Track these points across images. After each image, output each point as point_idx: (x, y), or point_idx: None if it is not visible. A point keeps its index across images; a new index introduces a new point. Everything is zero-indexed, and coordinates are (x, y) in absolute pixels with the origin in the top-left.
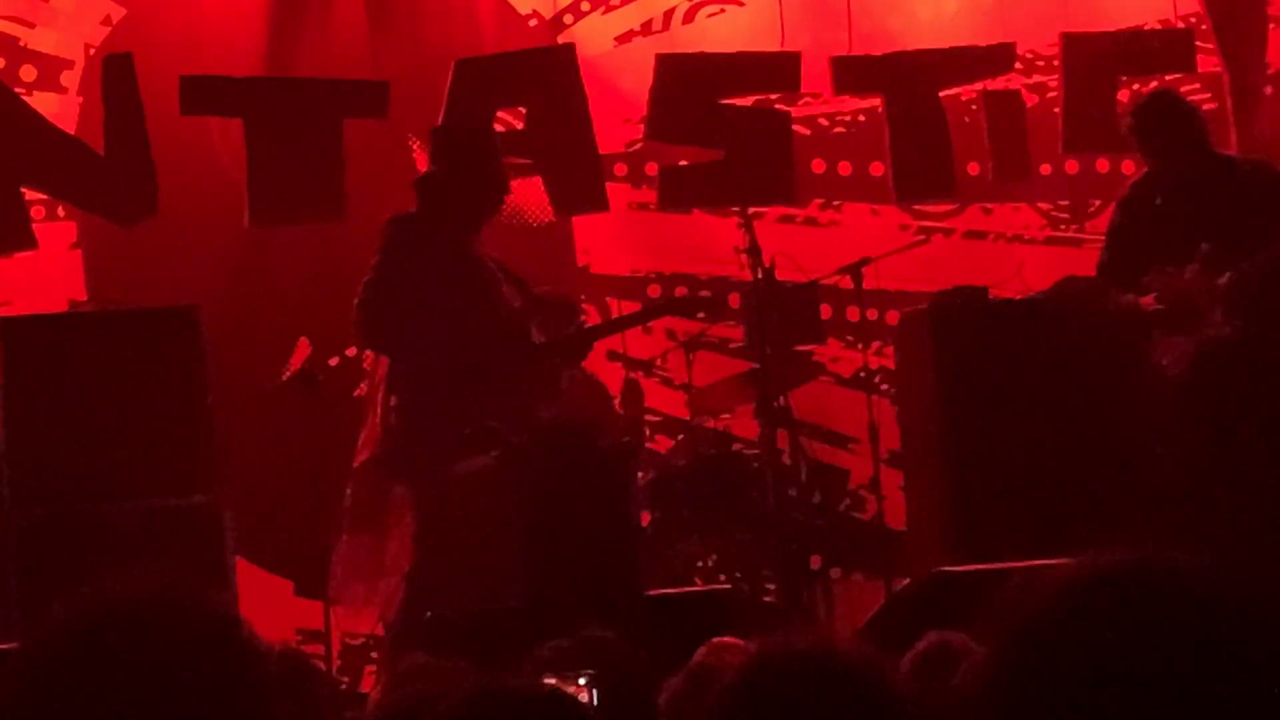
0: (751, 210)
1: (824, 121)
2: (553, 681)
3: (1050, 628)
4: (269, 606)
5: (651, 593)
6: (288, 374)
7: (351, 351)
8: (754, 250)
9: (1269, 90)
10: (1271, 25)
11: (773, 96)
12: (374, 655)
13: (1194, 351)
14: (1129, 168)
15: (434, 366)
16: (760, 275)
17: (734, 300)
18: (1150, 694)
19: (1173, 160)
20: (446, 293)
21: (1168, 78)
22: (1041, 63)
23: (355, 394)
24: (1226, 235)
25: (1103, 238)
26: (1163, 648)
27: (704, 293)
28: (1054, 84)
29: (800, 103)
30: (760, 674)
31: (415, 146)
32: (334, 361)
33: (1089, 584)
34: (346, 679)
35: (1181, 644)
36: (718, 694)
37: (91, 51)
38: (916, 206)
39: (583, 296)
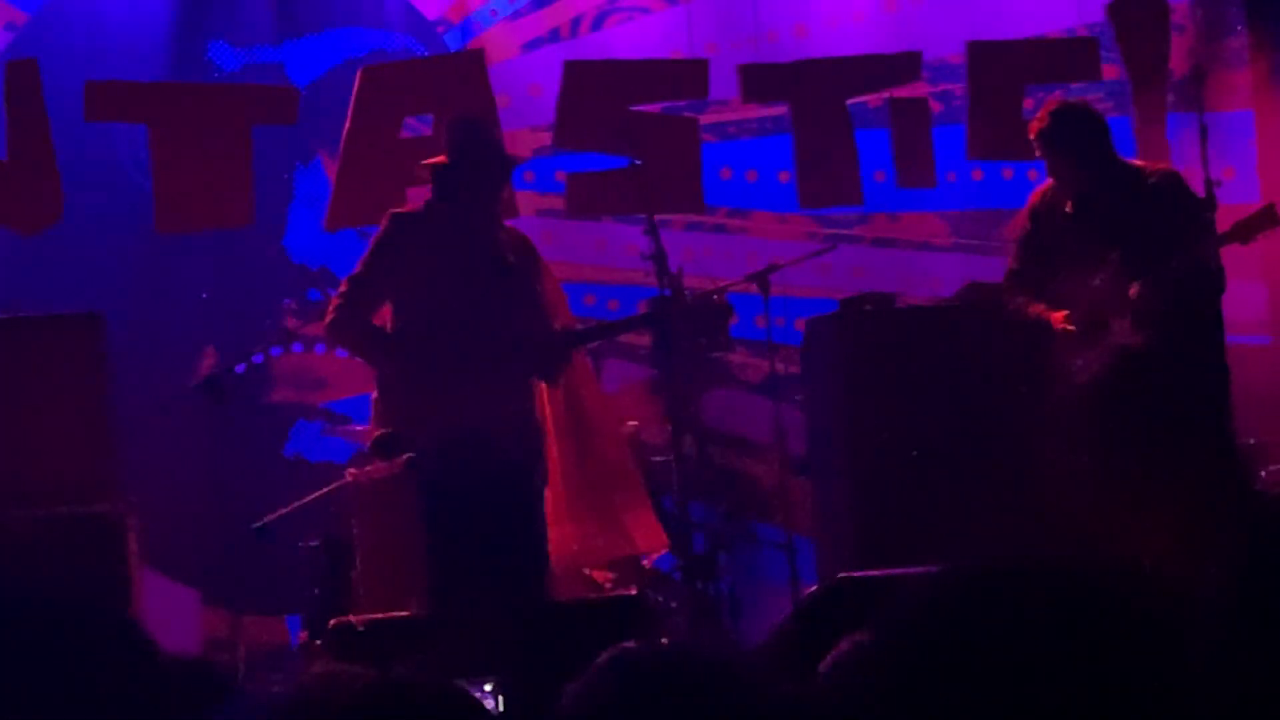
0: (659, 217)
1: (731, 129)
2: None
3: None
4: (175, 616)
5: (557, 600)
6: (194, 382)
7: (258, 358)
8: (660, 257)
9: (1172, 98)
10: (1174, 33)
11: (680, 104)
12: (281, 665)
13: (1102, 359)
14: (1033, 175)
15: (406, 365)
16: (667, 282)
17: (641, 307)
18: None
19: (1081, 169)
20: (435, 287)
21: (1073, 85)
22: (947, 70)
23: (263, 401)
24: (1134, 243)
25: (1009, 245)
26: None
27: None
28: (959, 91)
29: (708, 110)
30: (608, 675)
31: (323, 154)
32: (240, 369)
33: (952, 585)
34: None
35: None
36: (570, 694)
37: None
38: (823, 213)
39: None
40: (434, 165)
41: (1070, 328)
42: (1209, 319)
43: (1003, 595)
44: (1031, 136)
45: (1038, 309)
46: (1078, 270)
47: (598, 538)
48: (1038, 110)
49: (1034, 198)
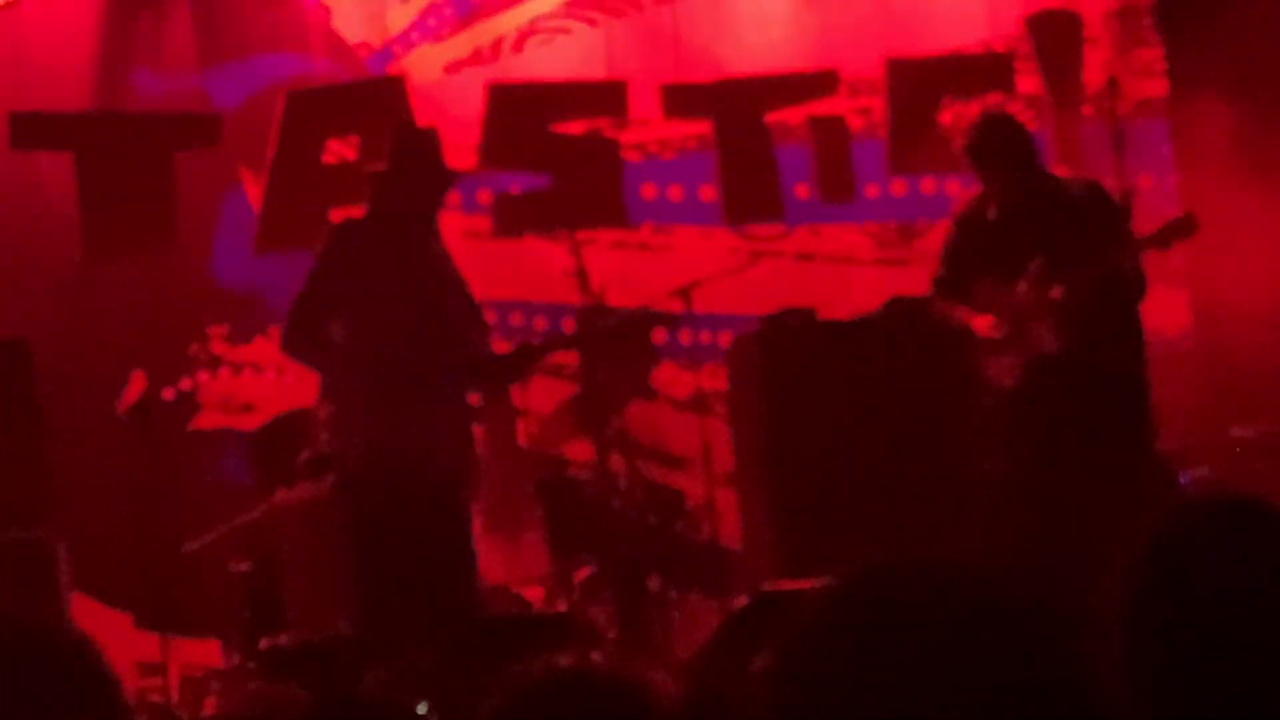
0: (583, 235)
1: (654, 147)
2: None
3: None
4: (107, 640)
5: (487, 617)
6: (122, 407)
7: (186, 384)
8: (583, 275)
9: (1088, 110)
10: (1088, 46)
11: (602, 122)
12: (213, 687)
13: (1022, 366)
14: (953, 188)
15: (363, 377)
16: (591, 299)
17: (567, 325)
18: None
19: (1005, 179)
20: (382, 297)
21: (989, 99)
22: (866, 86)
23: (190, 426)
24: (1056, 251)
25: (931, 258)
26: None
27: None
28: (878, 106)
29: (631, 128)
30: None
31: (246, 178)
32: (169, 394)
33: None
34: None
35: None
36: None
37: None
38: (746, 229)
39: None
40: (374, 174)
41: (994, 333)
42: (1129, 324)
43: (891, 605)
44: (959, 148)
45: (963, 315)
46: (1001, 278)
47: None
48: (957, 123)
49: (959, 207)
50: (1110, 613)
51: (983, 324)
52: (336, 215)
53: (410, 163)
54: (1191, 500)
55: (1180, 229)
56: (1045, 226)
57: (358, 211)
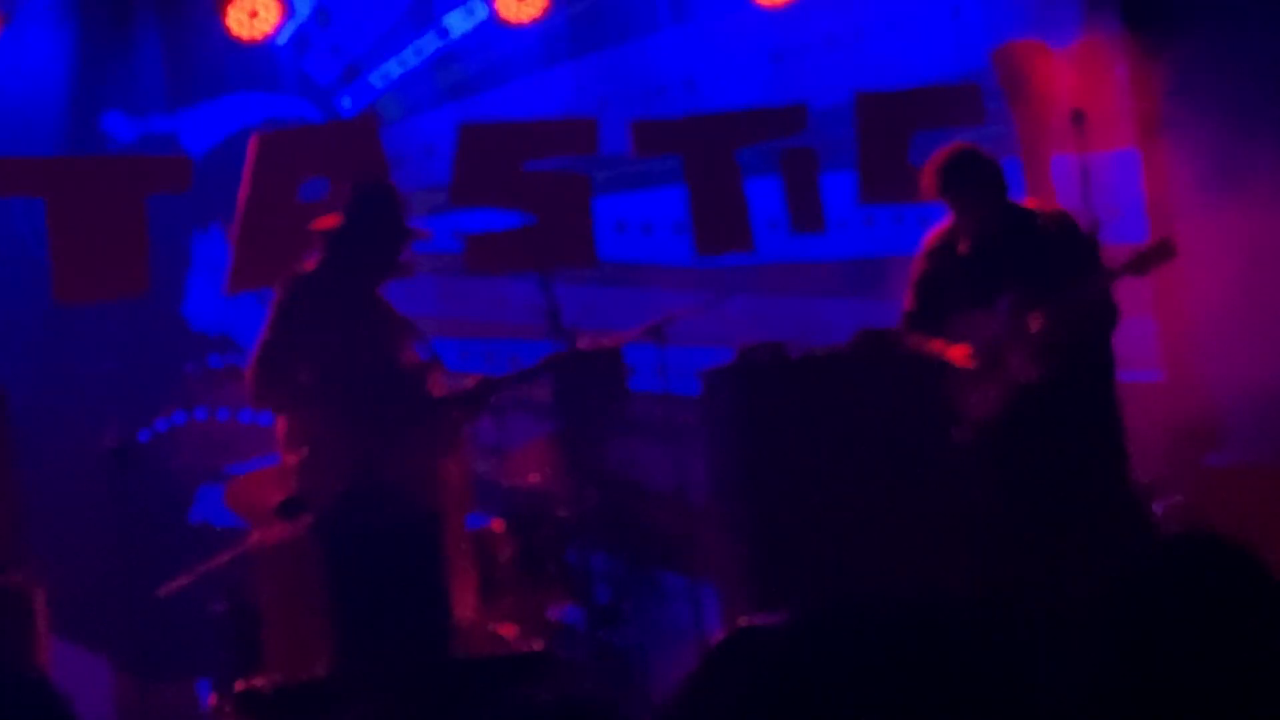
0: (555, 272)
1: (625, 183)
2: None
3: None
4: (86, 685)
5: (463, 656)
6: (99, 450)
7: (162, 426)
8: (554, 312)
9: (1056, 139)
10: (1055, 79)
11: (573, 160)
12: None
13: (999, 396)
14: (924, 220)
15: (331, 422)
16: (563, 336)
17: (540, 361)
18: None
19: (975, 210)
20: (344, 346)
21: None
22: (835, 118)
23: (167, 467)
24: (1027, 283)
25: (898, 289)
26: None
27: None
28: (849, 139)
29: (601, 165)
30: None
31: (220, 221)
32: (144, 436)
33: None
34: None
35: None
36: None
37: None
38: (718, 264)
39: None
40: (328, 231)
41: (970, 364)
42: (1103, 353)
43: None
44: (930, 179)
45: (936, 345)
46: (972, 310)
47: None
48: (929, 155)
49: (929, 239)
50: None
51: (958, 354)
52: (308, 256)
53: (367, 221)
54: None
55: (1158, 254)
56: (1016, 258)
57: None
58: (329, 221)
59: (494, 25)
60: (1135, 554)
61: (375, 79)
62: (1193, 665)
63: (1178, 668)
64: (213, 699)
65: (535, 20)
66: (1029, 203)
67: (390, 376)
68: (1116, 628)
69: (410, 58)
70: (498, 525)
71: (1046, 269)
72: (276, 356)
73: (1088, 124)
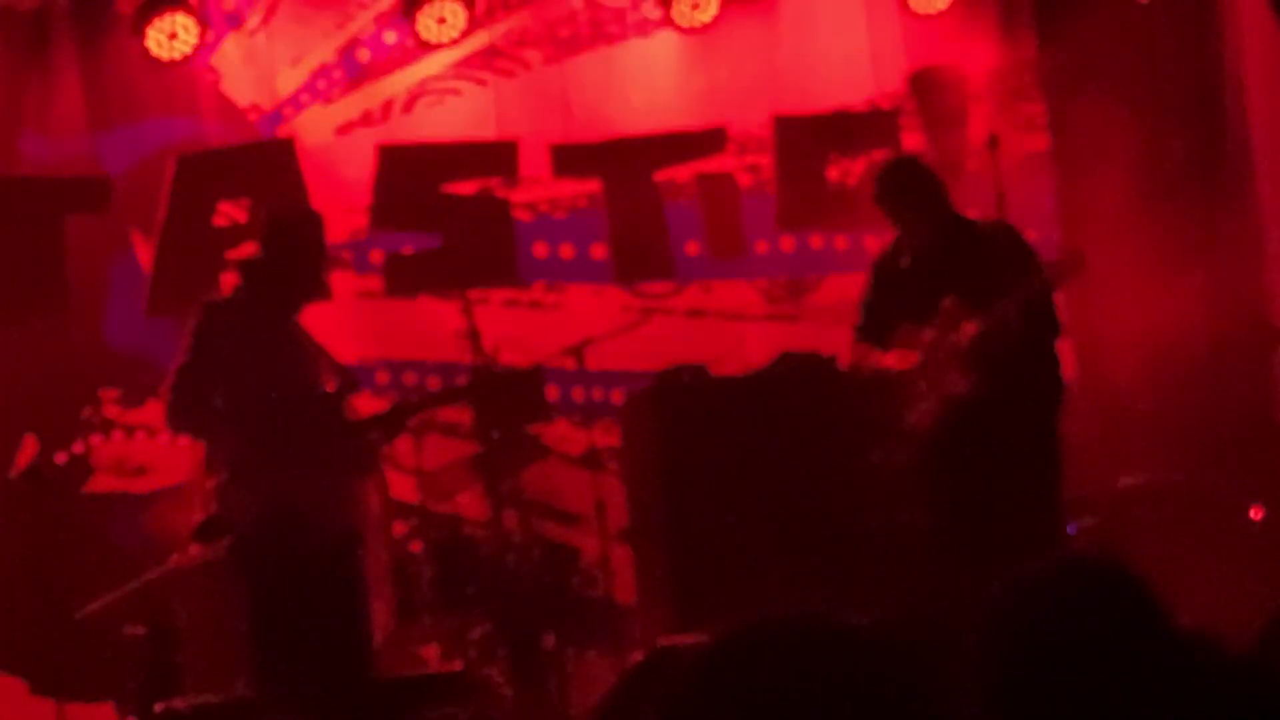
0: (476, 294)
1: (545, 206)
2: None
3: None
4: (2, 706)
5: (383, 678)
6: (14, 471)
7: (79, 447)
8: (475, 334)
9: (971, 165)
10: (971, 102)
11: (493, 182)
12: None
13: (931, 409)
14: (841, 243)
15: (248, 446)
16: (483, 358)
17: (461, 382)
18: None
19: (915, 221)
20: (261, 372)
21: (875, 155)
22: (754, 143)
23: (83, 490)
24: (968, 293)
25: (819, 312)
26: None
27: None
28: (767, 163)
29: (521, 187)
30: None
31: (137, 241)
32: (61, 458)
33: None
34: None
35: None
36: None
37: None
38: (637, 286)
39: None
40: (245, 260)
41: (903, 365)
42: (1044, 365)
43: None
44: (868, 192)
45: (873, 358)
46: (917, 322)
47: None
48: (844, 179)
49: (876, 256)
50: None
51: (891, 358)
52: (227, 278)
53: (281, 250)
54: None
55: (1069, 267)
56: (957, 268)
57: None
58: (246, 249)
59: (413, 46)
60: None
61: (294, 101)
62: (1070, 696)
63: (1056, 698)
64: None
65: (455, 43)
66: (969, 213)
67: (306, 401)
68: (998, 655)
69: (329, 79)
70: (416, 547)
71: (986, 279)
72: (192, 381)
73: (1002, 147)
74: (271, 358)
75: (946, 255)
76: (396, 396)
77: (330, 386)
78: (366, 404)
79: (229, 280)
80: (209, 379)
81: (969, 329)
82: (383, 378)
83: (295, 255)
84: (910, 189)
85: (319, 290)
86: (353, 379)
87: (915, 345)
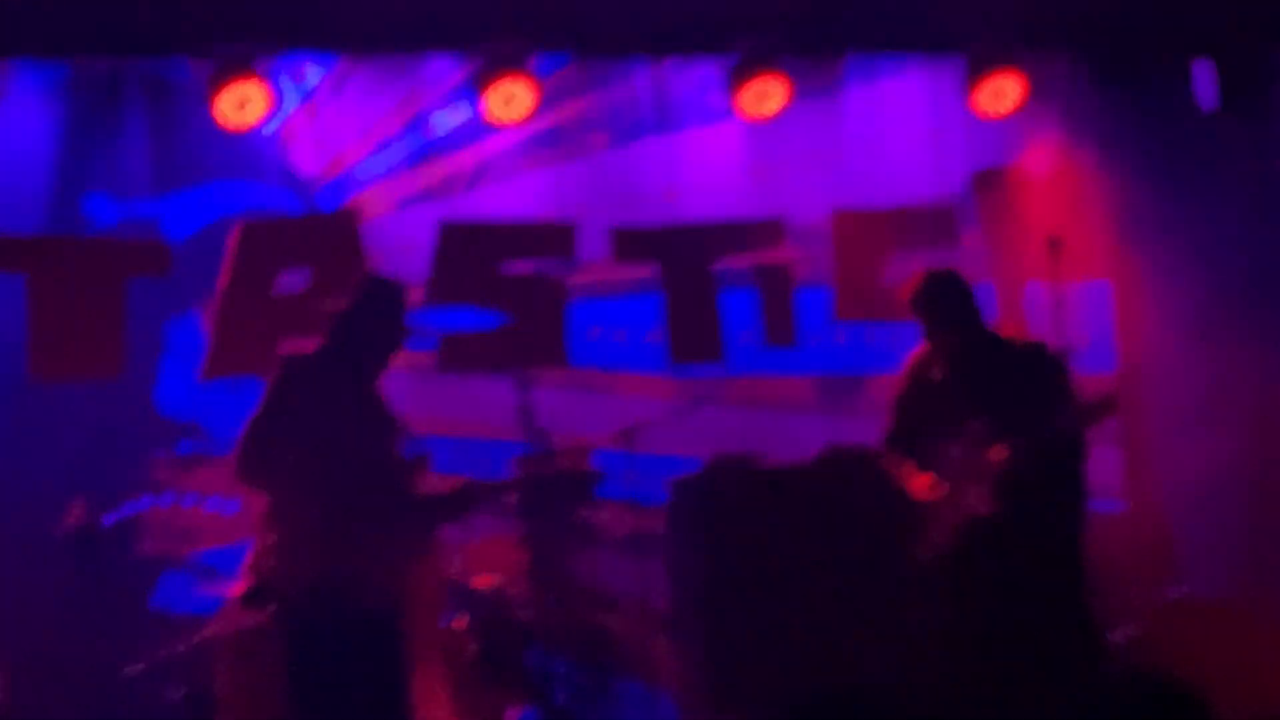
0: (528, 374)
1: (601, 289)
2: None
3: None
4: None
5: None
6: (63, 532)
7: (129, 509)
8: (527, 413)
9: (1029, 267)
10: (1032, 204)
11: (550, 263)
12: None
13: (956, 528)
14: (896, 339)
15: (312, 506)
16: (534, 438)
17: (508, 464)
18: None
19: (948, 336)
20: (335, 433)
21: (933, 253)
22: (813, 235)
23: (131, 552)
24: (997, 413)
25: (872, 408)
26: None
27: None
28: (825, 256)
29: (579, 269)
30: None
31: (196, 306)
32: (109, 520)
33: None
34: None
35: None
36: None
37: None
38: (689, 374)
39: None
40: (334, 314)
41: (929, 496)
42: (1070, 486)
43: None
44: (906, 300)
45: (904, 472)
46: (943, 436)
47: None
48: (902, 276)
49: (910, 360)
50: None
51: (920, 485)
52: (285, 347)
53: (374, 310)
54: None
55: (1102, 408)
56: (987, 387)
57: (306, 344)
58: (335, 307)
59: (479, 125)
60: (1084, 691)
61: (358, 174)
62: None
63: None
64: None
65: (521, 123)
66: (1003, 330)
67: (375, 469)
68: None
69: (394, 153)
70: (459, 624)
71: (1016, 400)
72: (266, 434)
73: (1063, 252)
74: (347, 419)
75: (979, 373)
76: (445, 472)
77: (401, 456)
78: (430, 482)
79: (288, 348)
80: (283, 433)
81: (997, 454)
82: (431, 453)
83: (384, 317)
84: (943, 304)
85: (395, 355)
86: (425, 452)
87: (943, 462)
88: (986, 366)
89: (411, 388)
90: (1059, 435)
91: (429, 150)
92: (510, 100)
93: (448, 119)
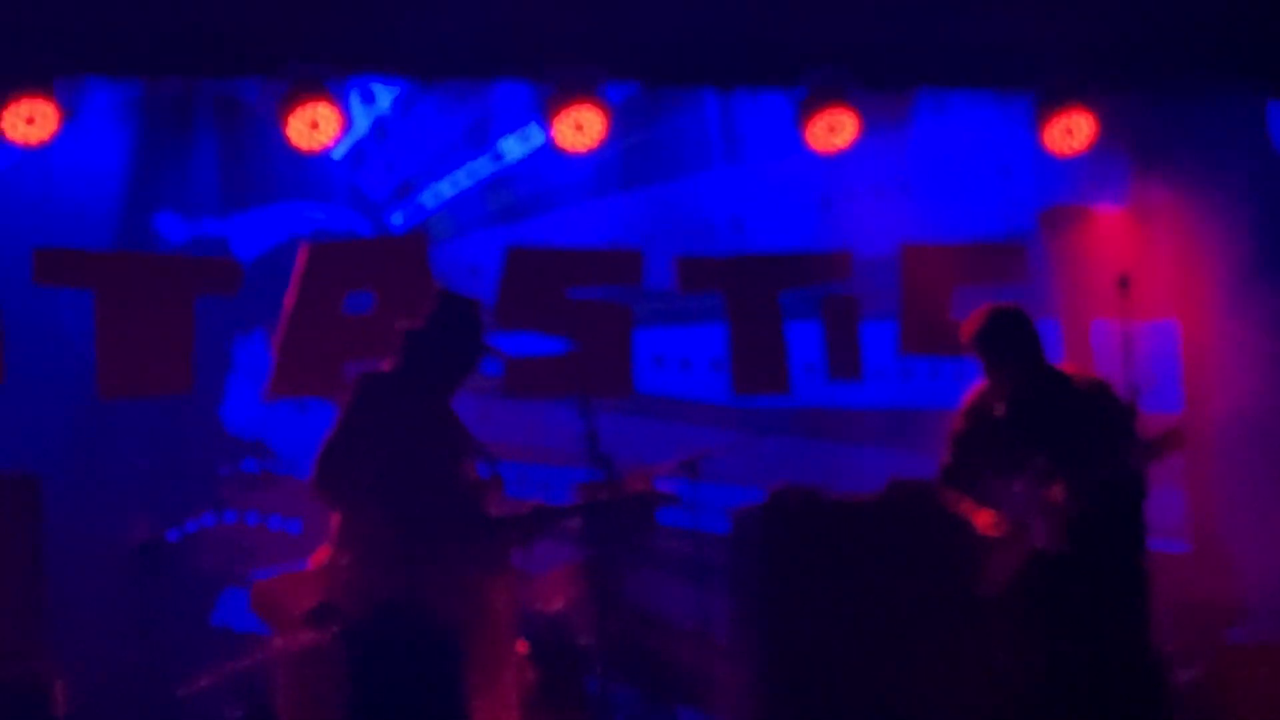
0: (593, 400)
1: (666, 317)
2: None
3: None
4: None
5: None
6: (127, 546)
7: (193, 525)
8: (593, 439)
9: (1097, 305)
10: (1101, 243)
11: (617, 290)
12: None
13: (1017, 564)
14: (960, 375)
15: (385, 525)
16: (598, 464)
17: (572, 489)
18: None
19: (1011, 373)
20: (410, 452)
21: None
22: (879, 268)
23: (193, 568)
24: (1059, 449)
25: (933, 441)
26: None
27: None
28: (891, 289)
29: (644, 297)
30: None
31: (263, 327)
32: (173, 536)
33: None
34: None
35: None
36: None
37: None
38: (754, 404)
39: None
40: (409, 332)
41: (992, 532)
42: (1131, 526)
43: None
44: (966, 338)
45: (965, 507)
46: (1003, 472)
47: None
48: (968, 312)
49: (970, 396)
50: None
51: (983, 520)
52: (350, 368)
53: (449, 328)
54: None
55: (1169, 442)
56: (1049, 423)
57: (375, 364)
58: (411, 325)
59: (549, 152)
60: None
61: (427, 197)
62: None
63: None
64: None
65: (590, 150)
66: (1066, 368)
67: (448, 490)
68: None
69: (463, 179)
70: (520, 648)
71: (1078, 437)
72: (342, 451)
73: (1132, 290)
74: (422, 438)
75: (1040, 409)
76: (507, 496)
77: (475, 477)
78: (502, 504)
79: (353, 369)
80: (359, 450)
81: (1060, 491)
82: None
83: (460, 334)
84: (1005, 340)
85: (471, 373)
86: (499, 474)
87: (1004, 498)
88: (1049, 403)
89: (476, 411)
90: (1123, 471)
91: (498, 175)
92: (580, 127)
93: (517, 144)
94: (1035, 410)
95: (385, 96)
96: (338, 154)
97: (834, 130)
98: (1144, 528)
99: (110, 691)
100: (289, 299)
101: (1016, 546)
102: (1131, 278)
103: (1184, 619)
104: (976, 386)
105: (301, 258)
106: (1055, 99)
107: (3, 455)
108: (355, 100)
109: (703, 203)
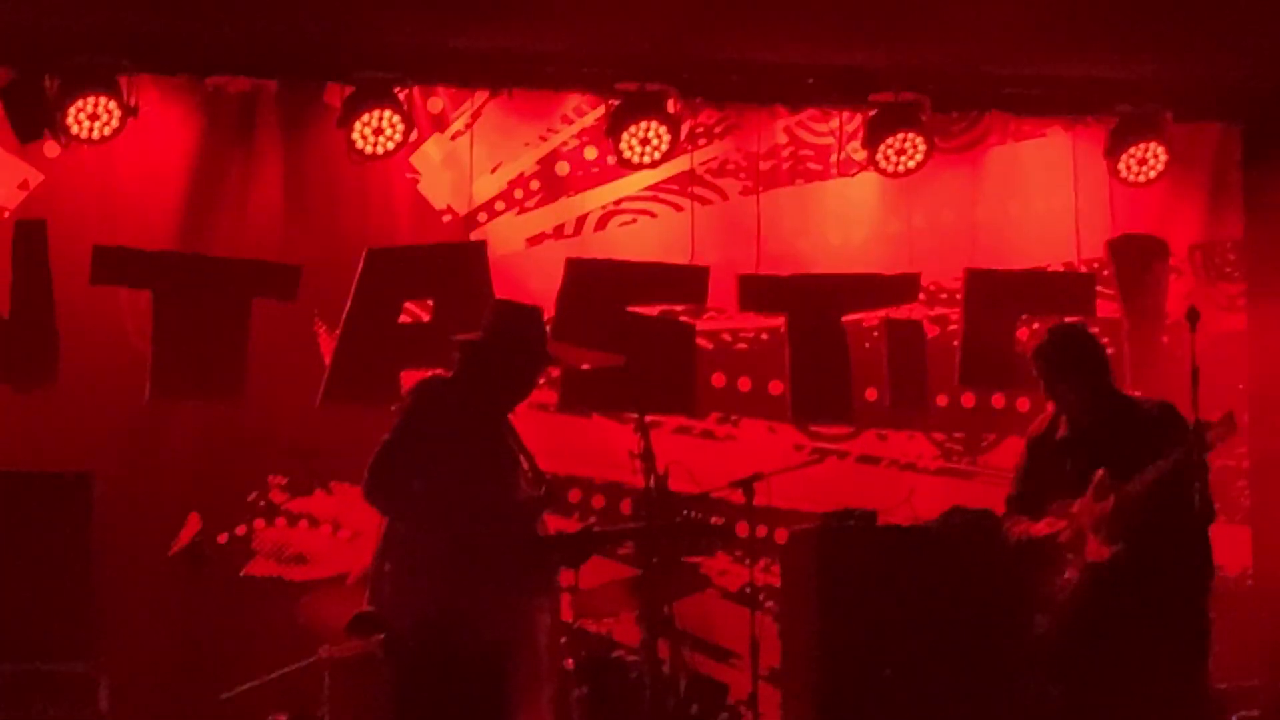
0: (649, 418)
1: (727, 336)
2: None
3: None
4: None
5: None
6: (176, 548)
7: (241, 530)
8: (648, 457)
9: (1165, 339)
10: (1171, 275)
11: (678, 308)
12: None
13: (1078, 578)
14: (1024, 405)
15: (436, 539)
16: (653, 483)
17: (625, 507)
18: None
19: (1076, 390)
20: (465, 464)
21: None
22: (944, 295)
23: (242, 571)
24: (1122, 470)
25: (994, 472)
26: None
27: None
28: (955, 317)
29: (705, 316)
30: None
31: (321, 331)
32: (223, 539)
33: None
34: None
35: None
36: None
37: (5, 215)
38: (812, 426)
39: None
40: (466, 342)
41: (1049, 530)
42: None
43: None
44: (1029, 354)
45: (1025, 526)
46: (1066, 493)
47: None
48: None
49: (1033, 427)
50: None
51: (1042, 528)
52: (407, 375)
53: (508, 337)
54: None
55: (1223, 428)
56: (1114, 445)
57: (427, 372)
58: (468, 335)
59: (613, 165)
60: None
61: (488, 206)
62: None
63: None
64: None
65: (655, 164)
66: (1131, 393)
67: (500, 505)
68: None
69: (525, 188)
70: (568, 665)
71: (1140, 459)
72: (398, 459)
73: (1201, 324)
74: (478, 450)
75: (1103, 431)
76: (560, 512)
77: (528, 494)
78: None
79: (410, 377)
80: (413, 459)
81: (1110, 497)
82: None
83: (520, 343)
84: (1074, 356)
85: (532, 384)
86: (552, 491)
87: (1064, 515)
88: (1111, 424)
89: (531, 425)
90: (1175, 465)
91: (561, 187)
92: (646, 142)
93: (582, 157)
94: (1098, 431)
95: (450, 105)
96: (400, 160)
97: (903, 153)
98: (1209, 557)
99: (154, 692)
100: (346, 304)
101: (1074, 561)
102: (1200, 311)
103: (1246, 657)
104: (1039, 418)
105: (362, 263)
106: (1129, 128)
107: (56, 453)
108: (419, 108)
109: (767, 222)
